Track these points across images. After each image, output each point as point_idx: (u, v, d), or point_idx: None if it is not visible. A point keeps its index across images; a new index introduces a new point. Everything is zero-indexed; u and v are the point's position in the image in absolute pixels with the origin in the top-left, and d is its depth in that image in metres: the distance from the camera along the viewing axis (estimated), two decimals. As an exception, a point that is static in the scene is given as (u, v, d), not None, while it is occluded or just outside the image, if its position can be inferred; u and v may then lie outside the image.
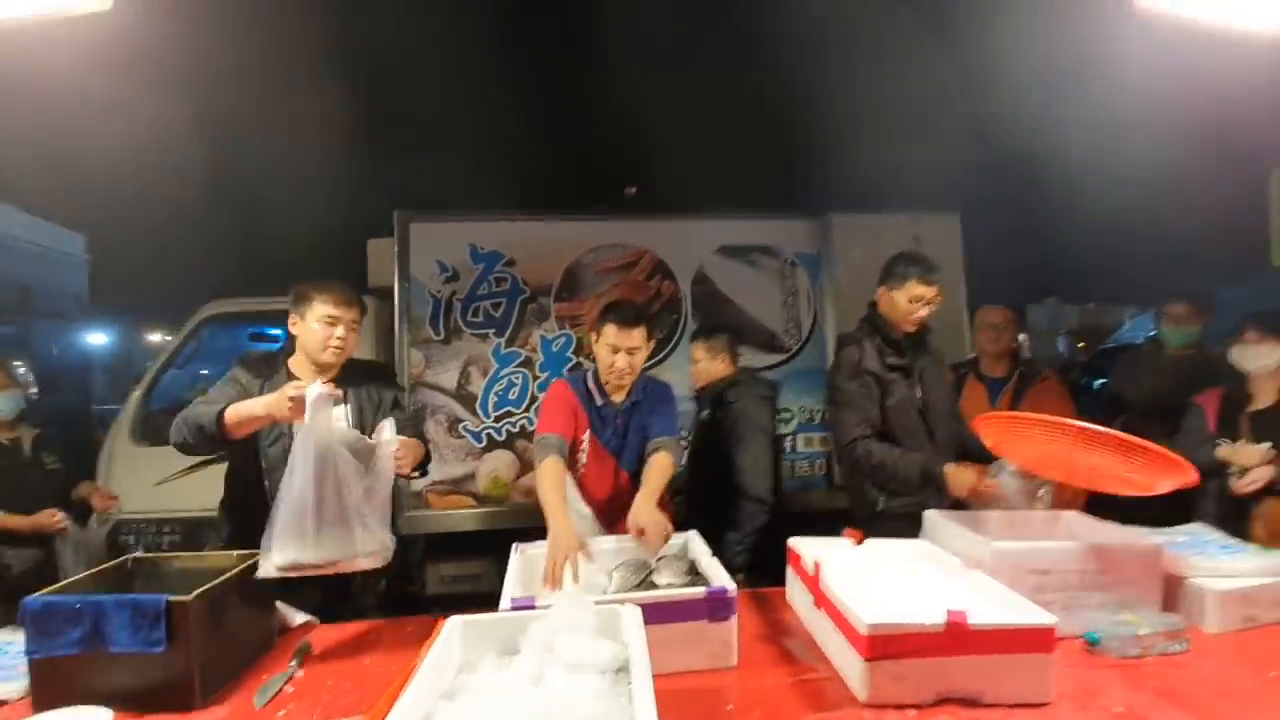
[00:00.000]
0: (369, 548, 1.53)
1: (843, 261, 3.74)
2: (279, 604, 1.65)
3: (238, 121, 3.59)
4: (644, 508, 1.77)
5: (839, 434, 2.26)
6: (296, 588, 1.60)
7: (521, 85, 3.74)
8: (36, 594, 1.33)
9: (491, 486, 3.57)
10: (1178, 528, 1.84)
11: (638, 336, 2.00)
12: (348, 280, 4.30)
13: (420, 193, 3.93)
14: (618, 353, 1.99)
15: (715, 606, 1.36)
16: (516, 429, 3.59)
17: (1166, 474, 1.48)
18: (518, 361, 3.63)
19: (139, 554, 1.62)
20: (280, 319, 4.05)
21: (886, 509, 2.17)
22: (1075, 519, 1.85)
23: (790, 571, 1.71)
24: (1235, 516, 2.16)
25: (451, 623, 1.21)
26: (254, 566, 1.52)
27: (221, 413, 1.70)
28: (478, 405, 3.60)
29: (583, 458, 2.08)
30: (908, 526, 1.93)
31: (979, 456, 2.19)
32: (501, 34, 3.29)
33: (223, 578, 1.42)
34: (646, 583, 1.60)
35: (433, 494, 3.55)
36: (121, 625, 1.29)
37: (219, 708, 1.32)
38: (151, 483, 3.42)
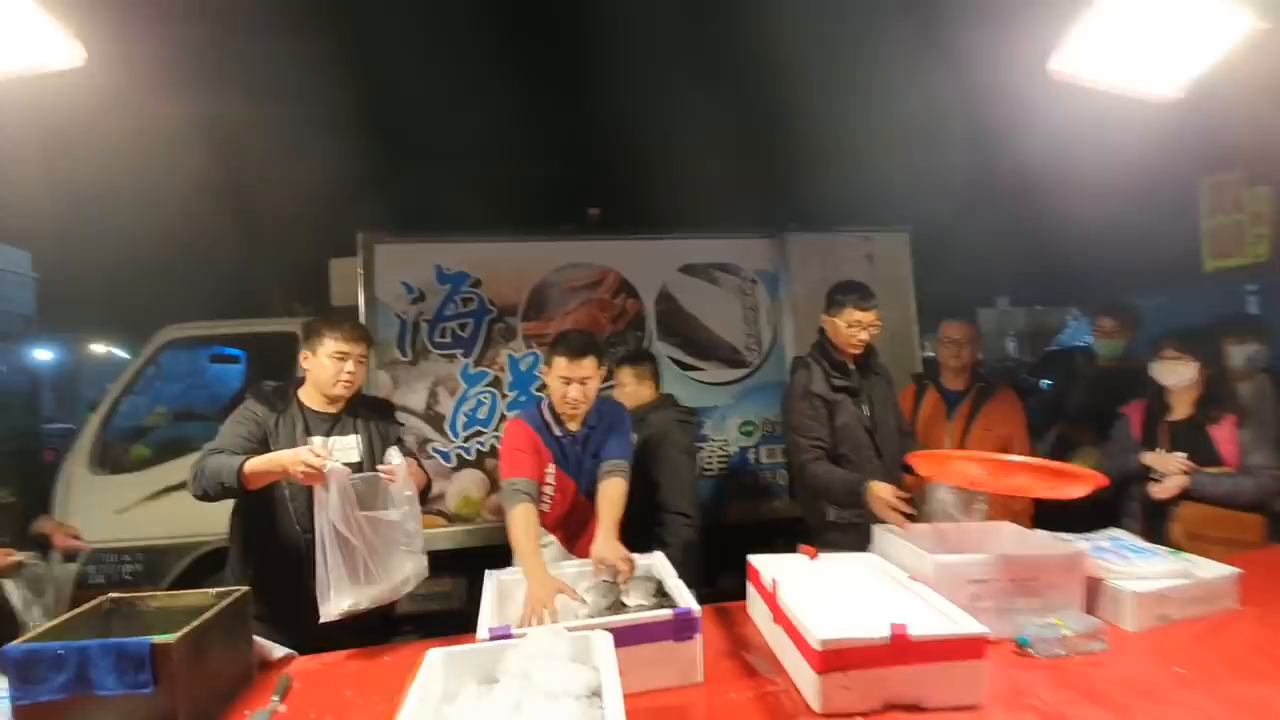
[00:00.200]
0: (407, 573, 1.85)
1: (800, 278, 3.89)
2: (257, 639, 1.69)
3: (193, 139, 3.55)
4: (607, 542, 1.82)
5: (792, 454, 2.43)
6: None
7: (487, 109, 3.79)
8: (16, 642, 1.36)
9: (462, 506, 3.61)
10: (1100, 532, 2.01)
11: (588, 366, 2.04)
12: (309, 299, 4.30)
13: (383, 213, 3.94)
14: (570, 384, 2.04)
15: (681, 627, 1.46)
16: (486, 448, 3.64)
17: (1074, 483, 1.65)
18: (486, 381, 3.68)
19: (115, 595, 1.64)
20: (239, 341, 4.03)
21: (835, 520, 2.33)
22: (1009, 530, 2.01)
23: (750, 587, 1.82)
24: (1157, 518, 2.36)
25: (433, 654, 1.28)
26: (234, 604, 1.57)
27: (241, 467, 1.77)
28: (447, 425, 3.64)
29: (550, 490, 2.12)
30: (854, 536, 2.11)
31: None
32: (466, 57, 3.34)
33: (204, 617, 1.46)
34: (616, 603, 1.69)
35: (403, 514, 3.57)
36: (106, 669, 1.32)
37: (204, 745, 1.36)
38: (111, 511, 3.37)
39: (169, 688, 1.34)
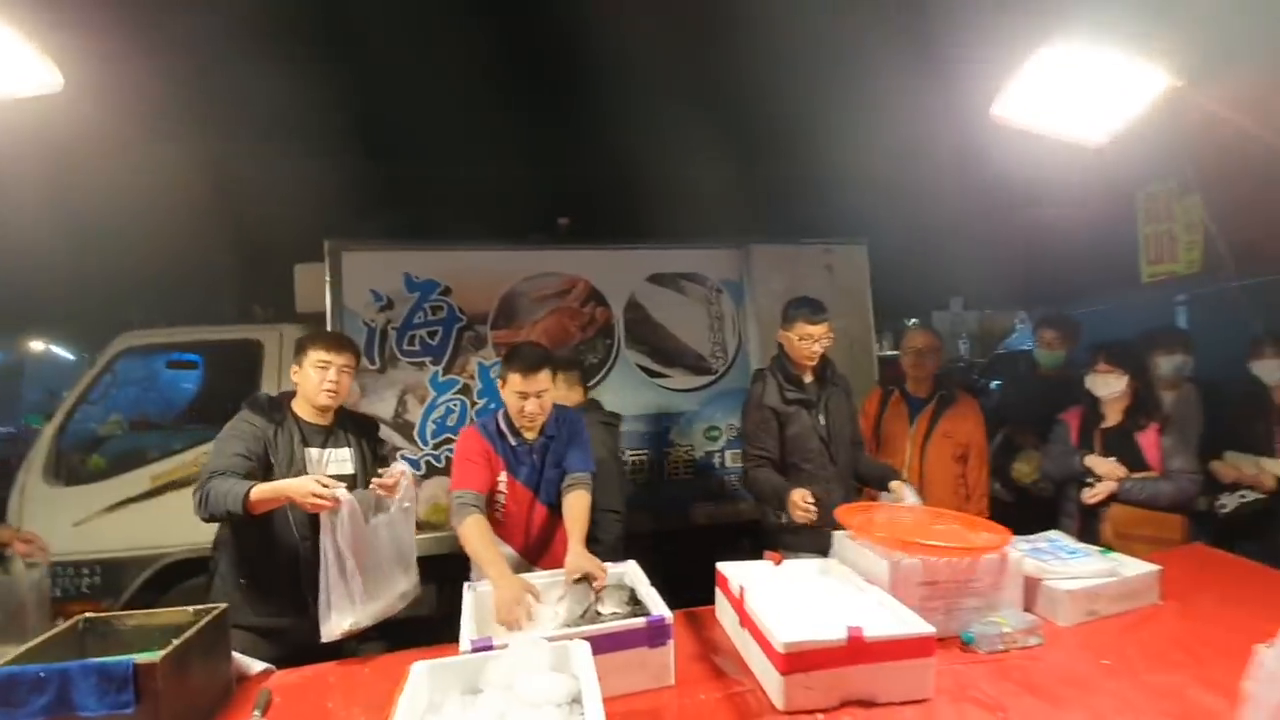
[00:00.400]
0: (403, 589, 1.94)
1: (763, 288, 4.01)
2: (235, 654, 1.71)
3: (151, 141, 3.46)
4: (579, 553, 1.90)
5: (743, 464, 2.60)
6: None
7: (456, 120, 3.80)
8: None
9: (431, 513, 3.63)
10: (1039, 535, 2.16)
11: (543, 380, 2.09)
12: (270, 304, 4.23)
13: (350, 218, 3.92)
14: (526, 398, 2.09)
15: (654, 634, 1.54)
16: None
17: (986, 542, 1.82)
18: (455, 389, 3.70)
19: (90, 614, 1.64)
20: (198, 347, 3.95)
21: (785, 524, 2.43)
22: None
23: (719, 593, 1.92)
24: (1091, 518, 2.55)
25: (417, 667, 1.33)
26: (214, 620, 1.59)
27: (248, 494, 1.80)
28: (416, 433, 3.65)
29: (502, 499, 2.18)
30: (805, 538, 2.27)
31: (872, 480, 2.57)
32: (435, 69, 3.34)
33: (186, 636, 1.48)
34: (591, 611, 1.76)
35: (372, 522, 3.57)
36: (88, 690, 1.34)
37: (187, 762, 1.39)
38: (69, 524, 3.28)
39: (151, 707, 1.36)
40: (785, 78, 3.19)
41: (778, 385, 2.50)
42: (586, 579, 1.82)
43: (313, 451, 2.08)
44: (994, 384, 6.40)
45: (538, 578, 1.92)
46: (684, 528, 3.87)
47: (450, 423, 3.69)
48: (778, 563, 1.95)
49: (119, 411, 3.86)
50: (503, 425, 2.20)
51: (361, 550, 1.80)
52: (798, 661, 1.41)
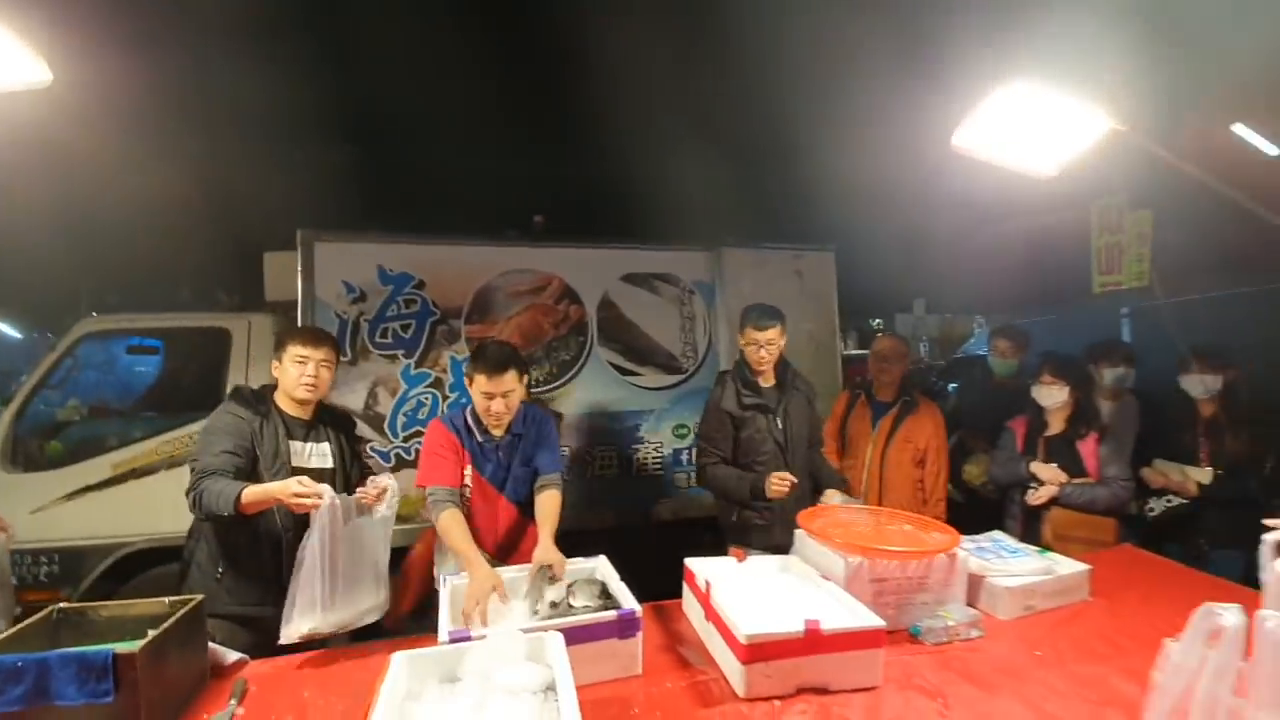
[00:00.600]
0: (369, 605, 1.92)
1: (733, 290, 4.11)
2: (211, 645, 1.74)
3: (121, 127, 3.38)
4: (547, 547, 1.98)
5: (697, 462, 2.75)
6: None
7: (434, 114, 3.79)
8: (-31, 656, 1.37)
9: (400, 505, 3.64)
10: (983, 535, 2.31)
11: (509, 380, 2.13)
12: (236, 291, 4.17)
13: (323, 210, 3.88)
14: (493, 398, 2.13)
15: (624, 626, 1.63)
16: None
17: (937, 543, 1.95)
18: (427, 382, 3.71)
19: (64, 605, 1.65)
20: (164, 334, 3.88)
21: (737, 521, 2.61)
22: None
23: (686, 588, 2.01)
24: (1033, 520, 2.72)
25: (397, 657, 1.39)
26: (191, 611, 1.62)
27: (239, 497, 1.82)
28: (386, 425, 3.66)
29: (466, 493, 2.22)
30: (758, 534, 2.46)
31: (828, 481, 2.69)
32: (416, 63, 3.34)
33: (165, 626, 1.51)
34: (564, 604, 1.83)
35: (340, 513, 3.57)
36: (67, 680, 1.36)
37: (166, 749, 1.42)
38: (26, 511, 3.20)
39: (130, 695, 1.39)
40: (763, 89, 3.29)
41: (735, 390, 2.61)
42: (547, 571, 1.89)
43: (295, 444, 2.11)
44: (951, 387, 6.65)
45: (507, 571, 1.99)
46: (647, 523, 3.97)
47: (421, 416, 3.70)
48: (741, 559, 2.05)
49: (78, 397, 3.77)
50: (470, 421, 2.24)
51: (336, 551, 1.82)
52: (758, 652, 1.51)
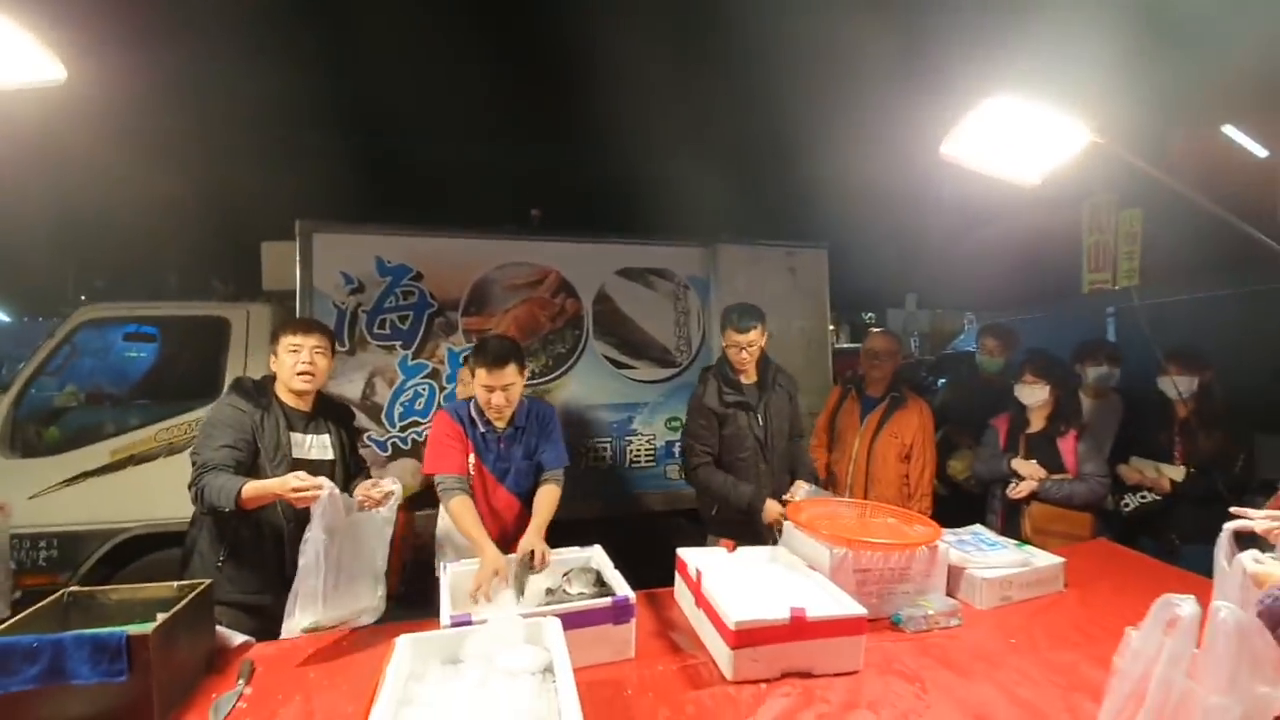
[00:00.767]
0: (366, 605, 1.92)
1: (728, 286, 4.17)
2: (218, 628, 1.79)
3: (122, 118, 3.38)
4: (534, 537, 2.06)
5: (686, 460, 2.77)
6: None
7: (434, 108, 3.81)
8: (-11, 635, 1.42)
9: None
10: (964, 528, 2.40)
11: (510, 374, 2.19)
12: (231, 280, 4.19)
13: (321, 201, 3.91)
14: (493, 391, 2.19)
15: (619, 612, 1.70)
16: (421, 438, 3.73)
17: (919, 536, 2.04)
18: (424, 373, 3.77)
19: (74, 588, 1.70)
20: (163, 323, 3.90)
21: (718, 515, 2.68)
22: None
23: (678, 577, 2.08)
24: (1013, 514, 2.81)
25: (402, 640, 1.45)
26: (200, 595, 1.68)
27: (239, 493, 1.86)
28: (383, 415, 3.71)
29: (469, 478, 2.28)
30: (733, 528, 2.50)
31: (801, 472, 2.76)
32: (416, 56, 3.36)
33: (176, 609, 1.56)
34: (560, 591, 1.90)
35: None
36: (81, 660, 1.41)
37: (178, 726, 1.48)
38: (25, 496, 3.24)
39: (142, 675, 1.44)
40: (761, 91, 3.34)
41: (718, 388, 2.66)
42: (529, 559, 1.97)
43: (296, 436, 2.14)
44: (940, 382, 6.75)
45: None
46: (639, 513, 4.05)
47: (418, 406, 3.76)
48: (731, 550, 2.12)
49: (73, 382, 3.79)
50: (474, 413, 2.30)
51: (336, 543, 1.84)
52: (746, 637, 1.58)
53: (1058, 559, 2.18)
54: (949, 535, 2.24)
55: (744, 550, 2.14)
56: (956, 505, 3.23)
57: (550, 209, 4.17)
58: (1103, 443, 2.87)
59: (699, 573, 1.85)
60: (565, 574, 1.95)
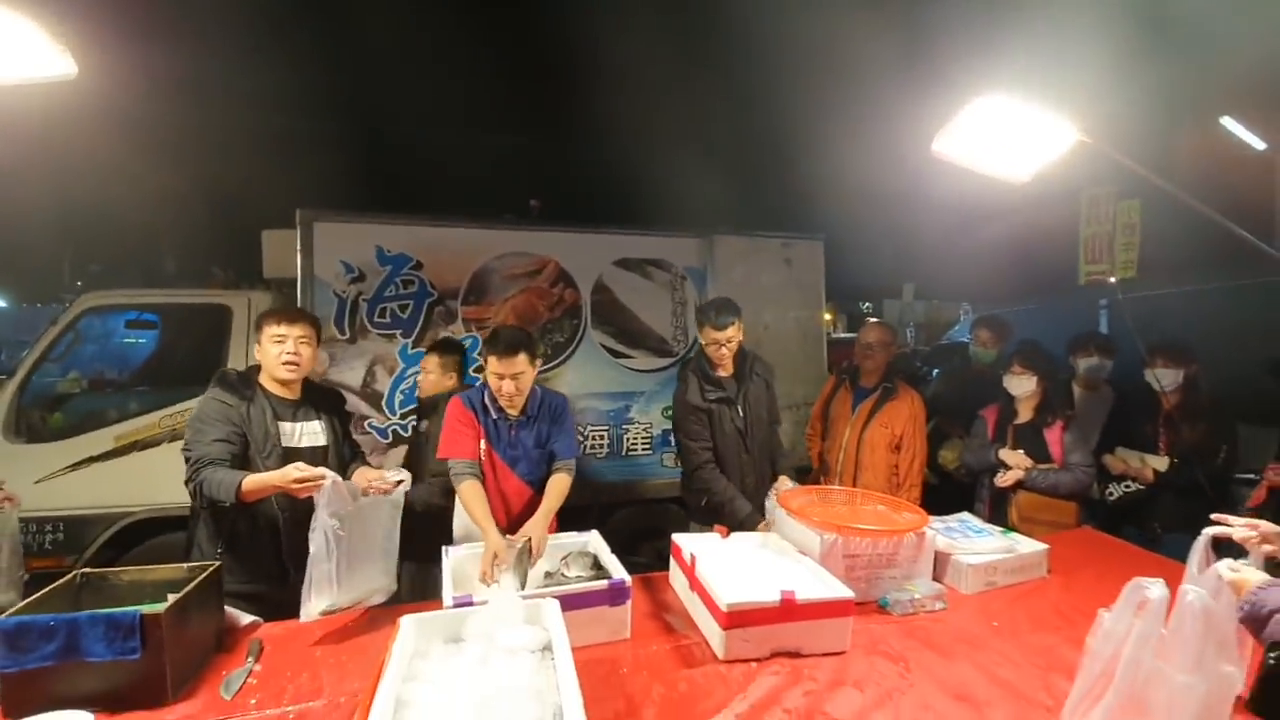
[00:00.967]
0: (378, 585, 1.96)
1: (724, 276, 4.21)
2: (228, 608, 1.85)
3: (122, 106, 3.40)
4: (538, 523, 2.10)
5: (684, 456, 2.76)
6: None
7: (434, 98, 3.83)
8: (7, 615, 1.48)
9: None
10: (952, 516, 2.46)
11: (521, 362, 2.23)
12: (230, 267, 4.22)
13: (322, 190, 3.93)
14: (504, 379, 2.23)
15: (615, 594, 1.76)
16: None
17: (906, 524, 2.10)
18: (424, 361, 3.80)
19: (87, 570, 1.75)
20: (165, 310, 3.94)
21: (706, 505, 2.70)
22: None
23: (673, 561, 2.14)
24: (1000, 503, 2.88)
25: (406, 619, 1.51)
26: (209, 576, 1.73)
27: (240, 486, 1.90)
28: (384, 403, 3.75)
29: (479, 467, 2.32)
30: (722, 519, 2.50)
31: (780, 464, 2.80)
32: (416, 47, 3.37)
33: (187, 590, 1.62)
34: (558, 574, 1.96)
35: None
36: (96, 638, 1.46)
37: (190, 701, 1.53)
38: (30, 481, 3.29)
39: (155, 653, 1.50)
40: (760, 85, 3.36)
41: (699, 384, 2.68)
42: (527, 545, 2.00)
43: (285, 425, 2.15)
44: (934, 372, 6.81)
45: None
46: (640, 499, 4.10)
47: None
48: (725, 536, 2.19)
49: (77, 369, 3.84)
50: (486, 400, 2.34)
51: (344, 529, 1.86)
52: (738, 619, 1.64)
53: (1041, 545, 2.24)
54: (936, 522, 2.30)
55: (736, 536, 2.21)
56: (947, 494, 3.30)
57: (549, 200, 4.19)
58: (1089, 433, 2.93)
59: (693, 557, 1.91)
60: (564, 557, 2.00)
